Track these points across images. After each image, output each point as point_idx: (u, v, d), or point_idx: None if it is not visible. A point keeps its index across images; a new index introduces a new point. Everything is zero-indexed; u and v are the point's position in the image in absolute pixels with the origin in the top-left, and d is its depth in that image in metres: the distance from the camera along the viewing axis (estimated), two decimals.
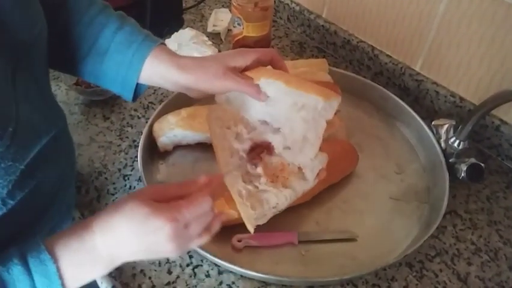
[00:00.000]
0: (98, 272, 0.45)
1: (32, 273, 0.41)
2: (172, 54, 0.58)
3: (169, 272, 0.61)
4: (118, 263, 0.46)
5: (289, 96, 0.59)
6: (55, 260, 0.42)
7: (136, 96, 0.60)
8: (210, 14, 1.09)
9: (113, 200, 0.69)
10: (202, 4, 1.15)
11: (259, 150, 0.62)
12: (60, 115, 0.56)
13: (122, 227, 0.44)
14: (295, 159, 0.61)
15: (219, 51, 0.98)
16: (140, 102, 0.86)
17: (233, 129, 0.62)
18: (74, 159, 0.62)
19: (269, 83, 0.58)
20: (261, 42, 0.96)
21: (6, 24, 0.44)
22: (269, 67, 0.60)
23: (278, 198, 0.59)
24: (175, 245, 0.45)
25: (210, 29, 1.05)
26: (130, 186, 0.71)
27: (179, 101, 0.79)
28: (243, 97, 0.61)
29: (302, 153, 0.60)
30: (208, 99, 0.64)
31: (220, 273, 0.61)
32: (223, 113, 0.63)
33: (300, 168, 0.61)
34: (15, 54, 0.45)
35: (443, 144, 0.74)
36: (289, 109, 0.60)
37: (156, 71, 0.57)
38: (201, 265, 0.62)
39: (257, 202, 0.58)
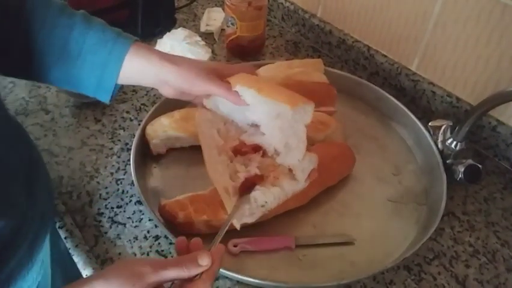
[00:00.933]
0: None
1: None
2: (152, 48, 0.57)
3: None
4: None
5: (264, 104, 0.58)
6: None
7: (111, 97, 0.58)
8: (203, 13, 1.08)
9: (105, 206, 0.68)
10: (195, 3, 1.13)
11: (246, 151, 0.61)
12: (11, 126, 0.52)
13: None
14: (284, 160, 0.60)
15: (213, 51, 0.97)
16: (133, 104, 0.84)
17: (222, 131, 0.62)
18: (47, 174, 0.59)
19: (244, 91, 0.58)
20: (255, 42, 0.95)
21: None
22: (245, 74, 0.60)
23: (266, 197, 0.58)
24: None
25: (203, 29, 1.04)
26: (123, 191, 0.70)
27: (172, 102, 0.77)
28: (231, 104, 0.60)
29: (289, 156, 0.60)
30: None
31: (216, 279, 0.60)
32: (213, 115, 0.62)
33: (290, 170, 0.60)
34: None
35: (440, 145, 0.73)
36: (267, 117, 0.59)
37: (135, 66, 0.55)
38: None
39: (245, 200, 0.57)
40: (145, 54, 0.55)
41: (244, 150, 0.61)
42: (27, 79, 0.59)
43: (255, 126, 0.62)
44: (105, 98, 0.57)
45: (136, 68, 0.55)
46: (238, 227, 0.56)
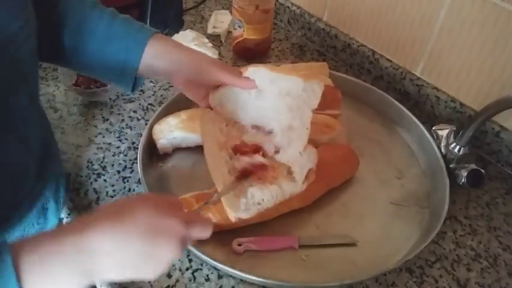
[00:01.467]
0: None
1: None
2: (171, 39, 0.62)
3: (169, 276, 0.61)
4: (96, 275, 0.41)
5: (274, 84, 0.61)
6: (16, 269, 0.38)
7: (134, 87, 0.61)
8: (210, 15, 1.09)
9: None
10: (202, 5, 1.15)
11: (247, 151, 0.62)
12: (44, 121, 0.57)
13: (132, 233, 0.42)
14: (284, 156, 0.61)
15: (219, 53, 0.98)
16: (140, 104, 0.85)
17: (224, 130, 0.63)
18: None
19: (257, 71, 0.61)
20: (262, 45, 0.96)
21: None
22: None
23: (264, 194, 0.57)
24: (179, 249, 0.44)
25: (210, 31, 1.05)
26: (129, 189, 0.71)
27: (179, 103, 0.78)
28: (235, 101, 0.62)
29: (290, 146, 0.61)
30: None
31: (220, 277, 0.61)
32: (216, 115, 0.63)
33: (289, 172, 0.61)
34: None
35: (443, 150, 0.74)
36: (275, 98, 0.61)
37: (154, 52, 0.59)
38: (201, 269, 0.62)
39: (241, 192, 0.57)
40: (164, 42, 0.60)
41: (244, 150, 0.62)
42: (57, 64, 0.65)
43: (257, 127, 0.63)
44: (127, 85, 0.61)
45: (155, 54, 0.59)
46: (232, 218, 0.56)
